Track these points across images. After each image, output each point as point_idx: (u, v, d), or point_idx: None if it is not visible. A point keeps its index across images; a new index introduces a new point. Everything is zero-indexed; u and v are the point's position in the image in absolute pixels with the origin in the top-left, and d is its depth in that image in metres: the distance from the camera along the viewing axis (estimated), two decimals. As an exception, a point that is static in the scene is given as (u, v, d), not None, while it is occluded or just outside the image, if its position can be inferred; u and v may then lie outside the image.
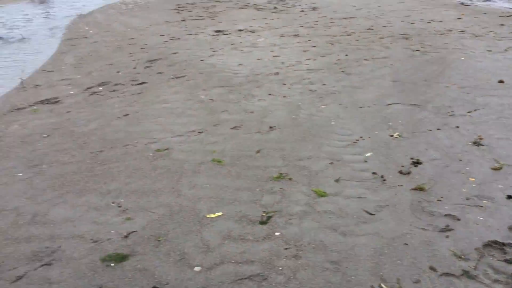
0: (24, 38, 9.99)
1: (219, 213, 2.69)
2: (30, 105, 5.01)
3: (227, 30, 8.90)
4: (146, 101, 4.86)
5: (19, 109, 4.92)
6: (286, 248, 2.34)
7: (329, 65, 5.89)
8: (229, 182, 3.06)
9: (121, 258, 2.32)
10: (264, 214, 2.66)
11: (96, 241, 2.47)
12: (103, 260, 2.31)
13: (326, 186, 2.95)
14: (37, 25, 12.04)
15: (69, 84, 5.82)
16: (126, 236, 2.51)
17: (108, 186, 3.10)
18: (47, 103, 5.05)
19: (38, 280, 2.19)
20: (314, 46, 6.99)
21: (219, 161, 3.36)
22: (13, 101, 5.22)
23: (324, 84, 5.09)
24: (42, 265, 2.30)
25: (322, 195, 2.83)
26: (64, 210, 2.81)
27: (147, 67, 6.39)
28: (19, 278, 2.21)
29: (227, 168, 3.25)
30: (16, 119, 4.57)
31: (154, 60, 6.76)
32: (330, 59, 6.19)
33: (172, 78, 5.68)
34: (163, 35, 8.85)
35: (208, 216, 2.67)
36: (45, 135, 4.07)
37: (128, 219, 2.68)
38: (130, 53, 7.41)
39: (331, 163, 3.27)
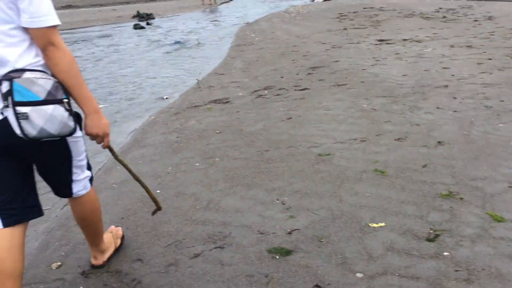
0: (199, 43, 11.11)
1: (382, 224, 2.65)
2: (205, 104, 5.55)
3: (390, 40, 8.67)
4: (308, 107, 5.01)
5: (196, 106, 5.49)
6: (456, 270, 2.20)
7: (508, 79, 5.34)
8: (392, 194, 2.98)
9: (285, 252, 2.44)
10: (431, 231, 2.53)
11: (262, 233, 2.64)
12: (269, 251, 2.46)
13: (504, 211, 2.68)
14: (209, 32, 13.28)
15: (238, 86, 6.30)
16: (289, 233, 2.62)
17: (273, 183, 3.27)
18: (219, 103, 5.54)
19: (213, 260, 2.42)
20: (490, 59, 6.40)
21: (382, 172, 3.30)
22: (191, 99, 5.85)
23: (502, 101, 4.64)
24: (215, 247, 2.54)
25: (499, 220, 2.59)
26: (234, 201, 3.06)
27: (309, 74, 6.57)
28: (197, 255, 2.47)
29: (391, 180, 3.18)
30: (194, 115, 5.11)
31: (316, 67, 6.93)
32: (510, 73, 5.60)
33: (334, 86, 5.75)
34: (324, 43, 9.01)
35: (370, 225, 2.64)
36: (217, 132, 4.48)
37: (291, 217, 2.80)
38: (293, 60, 7.71)
39: (510, 186, 2.96)
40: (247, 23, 14.19)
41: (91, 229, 2.23)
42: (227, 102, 5.55)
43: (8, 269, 1.79)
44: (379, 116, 4.48)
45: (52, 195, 2.16)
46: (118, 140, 4.60)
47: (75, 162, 1.97)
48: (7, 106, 1.63)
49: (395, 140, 3.87)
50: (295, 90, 5.77)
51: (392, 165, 3.40)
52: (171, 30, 14.22)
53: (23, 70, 1.64)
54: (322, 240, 2.53)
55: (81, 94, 1.78)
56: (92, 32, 14.27)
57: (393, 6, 14.33)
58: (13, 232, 1.82)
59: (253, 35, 11.34)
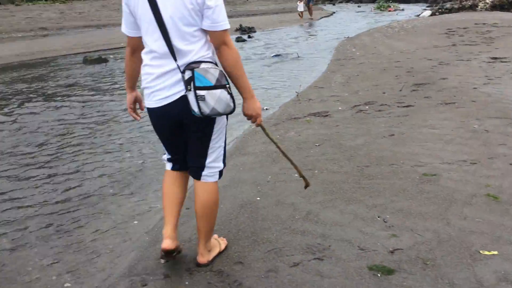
0: (298, 57, 11.22)
1: (495, 252, 2.47)
2: (304, 116, 5.60)
3: (505, 58, 8.07)
4: (412, 124, 4.83)
5: (295, 118, 5.56)
6: None
7: None
8: (507, 221, 2.77)
9: (387, 271, 2.37)
10: (554, 266, 2.31)
11: (363, 249, 2.59)
12: (370, 268, 2.40)
13: None
14: (309, 45, 13.35)
15: (338, 100, 6.26)
16: (391, 252, 2.54)
17: (373, 200, 3.20)
18: (318, 116, 5.56)
19: (311, 270, 2.43)
20: None
21: (495, 197, 3.08)
22: (290, 111, 5.93)
23: None
24: (314, 258, 2.54)
25: None
26: (333, 214, 3.04)
27: (414, 90, 6.34)
28: (296, 264, 2.50)
29: (505, 206, 2.95)
30: (293, 127, 5.18)
31: (421, 84, 6.66)
32: None
33: (441, 104, 5.48)
34: (430, 59, 8.64)
35: (481, 252, 2.47)
36: (317, 144, 4.49)
37: (394, 235, 2.71)
38: (396, 76, 7.49)
39: None
40: (348, 37, 14.07)
41: (207, 220, 2.48)
42: (327, 115, 5.54)
43: (176, 196, 2.50)
44: (492, 138, 4.19)
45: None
46: (220, 146, 4.79)
47: (212, 143, 2.35)
48: (189, 90, 2.09)
49: (511, 164, 3.58)
50: (398, 106, 5.60)
51: (506, 191, 3.16)
52: (271, 43, 14.55)
53: (199, 62, 2.12)
54: (427, 262, 2.42)
55: (242, 83, 2.21)
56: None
57: (508, 23, 13.32)
58: (177, 173, 2.52)
59: (353, 50, 11.22)
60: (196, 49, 2.12)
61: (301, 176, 2.66)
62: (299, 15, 25.27)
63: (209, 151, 2.35)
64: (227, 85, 2.13)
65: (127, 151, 4.83)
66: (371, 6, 33.03)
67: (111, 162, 4.54)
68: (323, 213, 3.07)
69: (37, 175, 4.26)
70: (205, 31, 2.13)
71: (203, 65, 2.09)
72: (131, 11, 2.17)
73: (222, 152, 2.43)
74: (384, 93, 6.37)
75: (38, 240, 3.10)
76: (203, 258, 2.54)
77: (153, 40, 2.14)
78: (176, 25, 2.07)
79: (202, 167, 2.39)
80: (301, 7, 25.30)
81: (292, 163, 2.59)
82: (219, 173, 2.45)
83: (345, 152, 4.22)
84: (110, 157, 4.69)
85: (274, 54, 11.85)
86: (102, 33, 22.20)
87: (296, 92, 7.00)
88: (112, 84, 8.72)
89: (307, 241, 2.73)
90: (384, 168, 3.74)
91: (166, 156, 2.55)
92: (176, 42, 2.10)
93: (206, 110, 2.09)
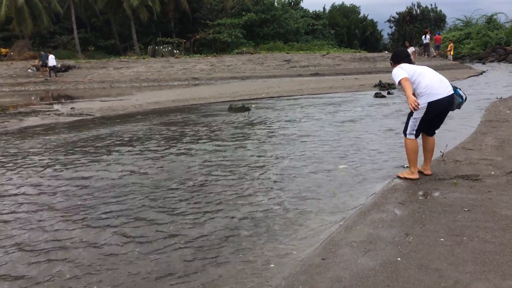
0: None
1: None
2: (450, 178, 5.24)
3: None
4: None
5: (440, 179, 5.22)
6: None
7: None
8: None
9: None
10: None
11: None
12: None
13: None
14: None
15: (490, 164, 5.74)
16: None
17: (537, 279, 2.82)
18: (466, 179, 5.15)
19: None
20: None
21: None
22: (434, 171, 5.58)
23: None
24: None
25: None
26: (486, 287, 2.74)
27: None
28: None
29: None
30: (437, 188, 4.87)
31: None
32: None
33: None
34: None
35: None
36: (465, 209, 4.14)
37: None
38: (562, 142, 6.63)
39: None
40: (501, 98, 12.98)
41: (432, 152, 5.42)
42: (477, 179, 5.10)
43: (417, 150, 5.26)
44: None
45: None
46: (358, 201, 4.71)
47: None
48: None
49: None
50: None
51: None
52: (413, 101, 14.02)
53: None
54: None
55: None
56: (336, 98, 15.29)
57: None
58: (416, 140, 5.21)
59: (508, 112, 10.29)
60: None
61: None
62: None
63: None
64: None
65: (264, 196, 4.99)
66: (529, 65, 30.19)
67: (248, 206, 4.72)
68: (474, 285, 2.80)
69: (181, 209, 4.63)
70: None
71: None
72: (408, 72, 4.99)
73: None
74: (547, 160, 5.68)
75: (179, 272, 3.33)
76: (428, 171, 5.38)
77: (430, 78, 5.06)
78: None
79: (435, 131, 5.33)
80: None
81: None
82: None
83: (499, 221, 3.82)
84: (245, 201, 4.87)
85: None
86: (246, 84, 23.88)
87: (441, 151, 6.58)
88: (250, 130, 9.21)
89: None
90: (550, 245, 3.28)
91: (414, 133, 5.14)
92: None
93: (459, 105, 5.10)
